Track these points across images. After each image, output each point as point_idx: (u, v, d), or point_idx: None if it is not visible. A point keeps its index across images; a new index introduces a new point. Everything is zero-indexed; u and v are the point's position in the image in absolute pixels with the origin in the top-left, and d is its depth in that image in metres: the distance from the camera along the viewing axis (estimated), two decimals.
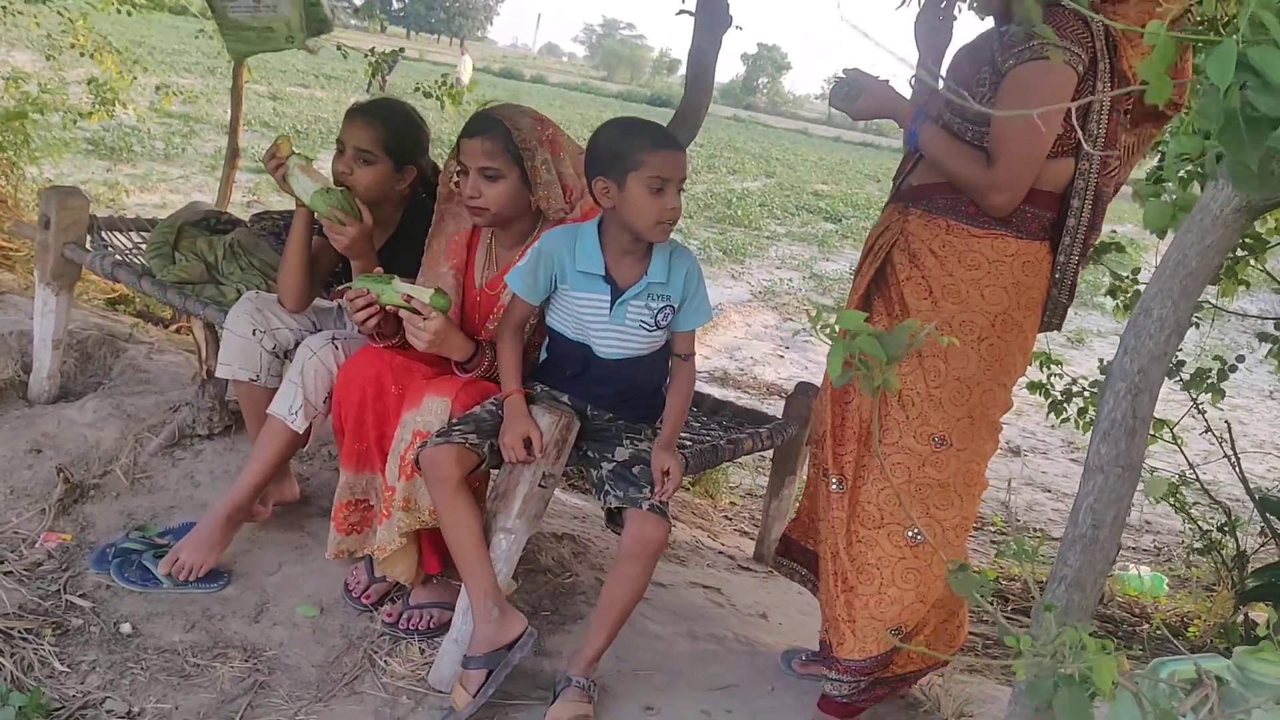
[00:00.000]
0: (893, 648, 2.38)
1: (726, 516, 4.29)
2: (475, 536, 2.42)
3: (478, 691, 2.37)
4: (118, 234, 3.60)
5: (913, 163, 2.50)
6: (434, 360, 2.71)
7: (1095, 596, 1.47)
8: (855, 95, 2.37)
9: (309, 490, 3.24)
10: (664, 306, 2.47)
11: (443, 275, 2.74)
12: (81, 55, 7.71)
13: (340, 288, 2.62)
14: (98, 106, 7.65)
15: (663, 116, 4.31)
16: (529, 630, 2.44)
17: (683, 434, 3.13)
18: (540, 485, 2.49)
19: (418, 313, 2.46)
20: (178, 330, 4.54)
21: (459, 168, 2.62)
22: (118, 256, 3.39)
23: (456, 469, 2.39)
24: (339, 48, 5.91)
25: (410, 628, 2.70)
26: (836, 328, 1.27)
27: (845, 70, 2.43)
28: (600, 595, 2.50)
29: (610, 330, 2.47)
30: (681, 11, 3.93)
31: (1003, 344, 2.36)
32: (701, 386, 6.87)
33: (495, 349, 2.60)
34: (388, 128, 2.79)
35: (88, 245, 3.43)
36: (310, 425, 2.79)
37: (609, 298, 2.44)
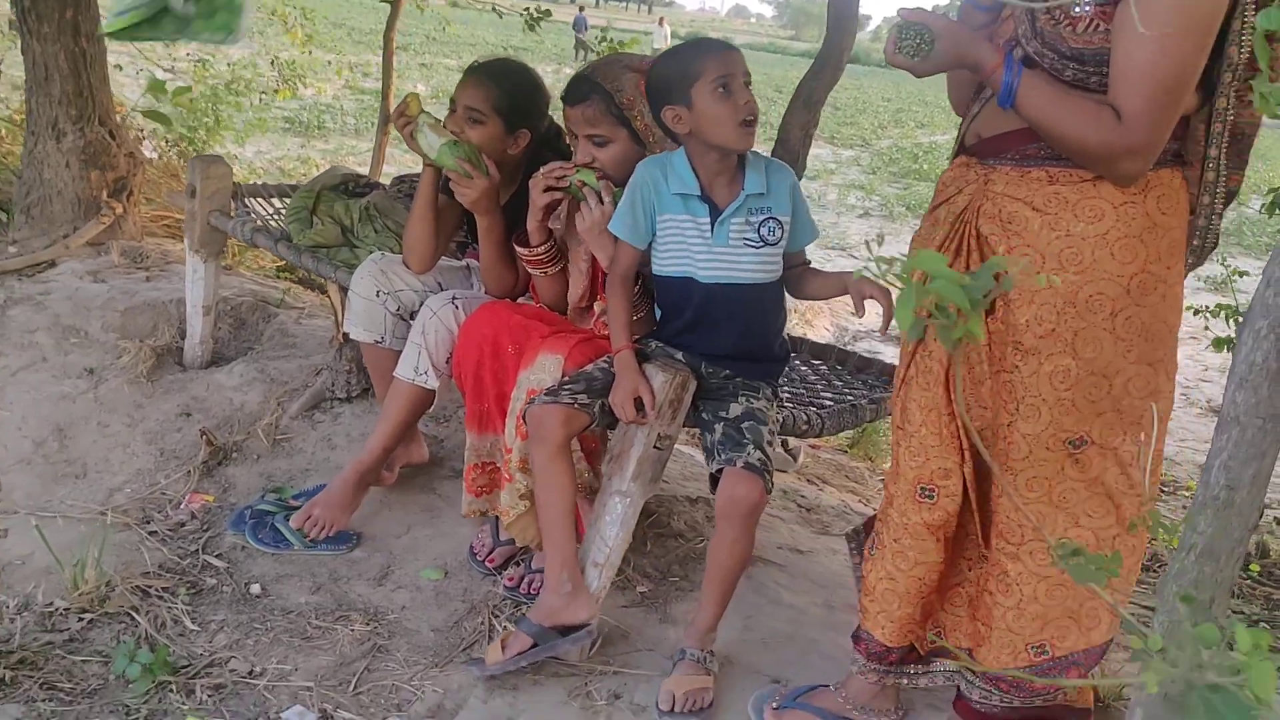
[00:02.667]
0: (1034, 666, 2.04)
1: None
2: (566, 503, 2.34)
3: (513, 658, 2.29)
4: (260, 200, 3.66)
5: (979, 107, 1.99)
6: (552, 319, 2.64)
7: (1232, 569, 1.25)
8: (928, 46, 1.79)
9: (442, 452, 3.22)
10: (765, 219, 2.32)
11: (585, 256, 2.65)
12: (285, 26, 7.92)
13: (547, 167, 2.50)
14: (282, 84, 7.94)
15: (848, 71, 4.07)
16: (589, 629, 2.36)
17: (824, 392, 2.96)
18: (655, 447, 2.37)
19: (599, 197, 2.40)
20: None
21: (570, 135, 2.54)
22: (258, 222, 3.43)
23: (562, 430, 2.31)
24: (494, 8, 5.88)
25: (531, 592, 2.63)
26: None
27: (904, 12, 1.83)
28: (705, 563, 2.37)
29: (715, 254, 2.32)
30: None
31: (1145, 312, 1.85)
32: (868, 345, 6.64)
33: None
34: (500, 88, 2.71)
35: (233, 212, 3.49)
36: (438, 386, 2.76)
37: (709, 218, 2.31)
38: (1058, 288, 1.83)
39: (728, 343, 2.40)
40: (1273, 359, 1.18)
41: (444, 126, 2.68)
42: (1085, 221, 1.82)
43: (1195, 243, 1.94)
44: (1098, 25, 1.72)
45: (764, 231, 2.33)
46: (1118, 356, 1.86)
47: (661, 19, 32.06)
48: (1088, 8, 1.73)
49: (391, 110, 5.19)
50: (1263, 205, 2.67)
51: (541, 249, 2.57)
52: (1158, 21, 1.63)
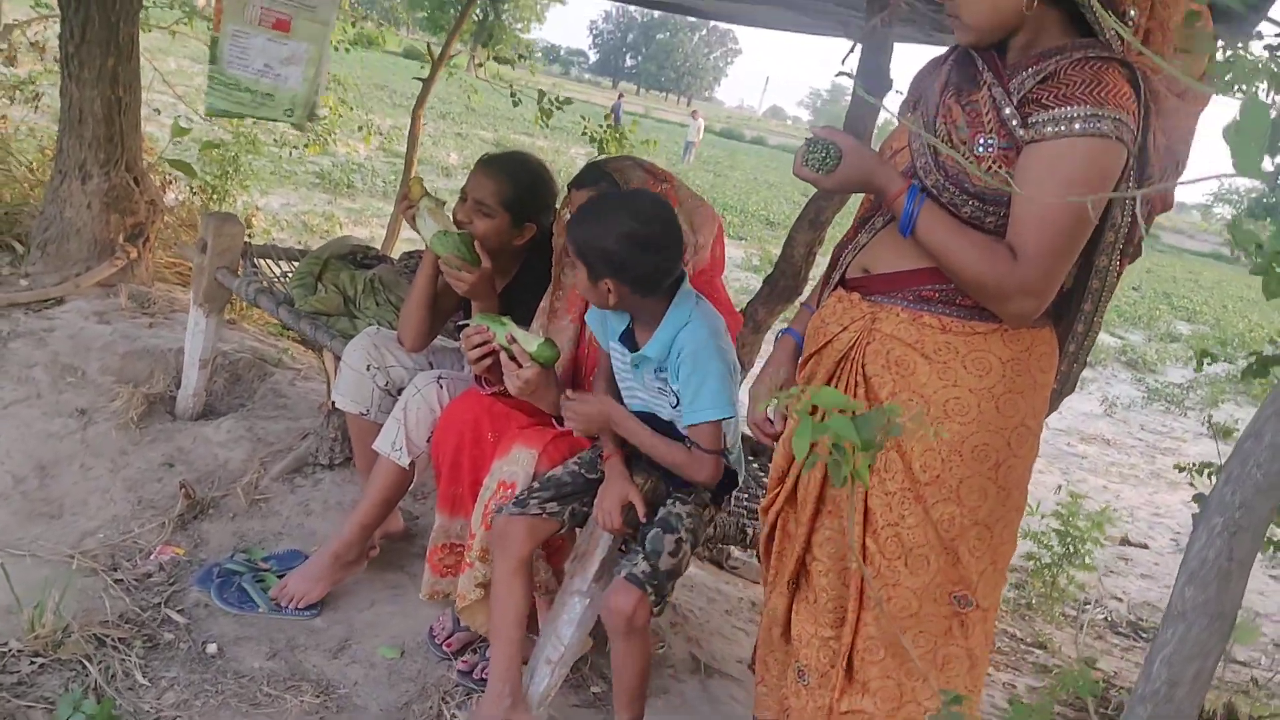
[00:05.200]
0: None
1: None
2: (519, 617, 2.37)
3: None
4: (269, 261, 3.72)
5: (867, 238, 2.00)
6: (533, 409, 2.66)
7: None
8: (833, 161, 1.83)
9: (416, 530, 3.23)
10: (663, 387, 2.32)
11: (564, 329, 2.69)
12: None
13: (461, 323, 2.63)
14: (313, 140, 8.03)
15: None
16: None
17: None
18: (620, 550, 2.39)
19: (515, 359, 2.42)
20: None
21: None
22: (263, 283, 3.48)
23: (527, 543, 2.34)
24: (512, 94, 6.02)
25: (483, 678, 2.62)
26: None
27: (816, 129, 1.87)
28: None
29: (632, 384, 2.38)
30: (841, 74, 3.78)
31: (1021, 464, 1.89)
32: None
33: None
34: (510, 183, 2.77)
35: (240, 271, 3.55)
36: (414, 463, 2.78)
37: (628, 355, 2.34)
38: (944, 438, 1.85)
39: (644, 460, 2.41)
40: (1224, 558, 1.17)
41: (452, 215, 2.74)
42: (974, 374, 1.85)
43: (1055, 386, 1.97)
44: (1000, 167, 1.76)
45: (666, 389, 2.33)
46: (999, 505, 1.88)
47: (695, 112, 32.07)
48: (991, 148, 1.77)
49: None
50: (1244, 371, 2.68)
51: (501, 388, 2.59)
52: (1060, 173, 1.70)
